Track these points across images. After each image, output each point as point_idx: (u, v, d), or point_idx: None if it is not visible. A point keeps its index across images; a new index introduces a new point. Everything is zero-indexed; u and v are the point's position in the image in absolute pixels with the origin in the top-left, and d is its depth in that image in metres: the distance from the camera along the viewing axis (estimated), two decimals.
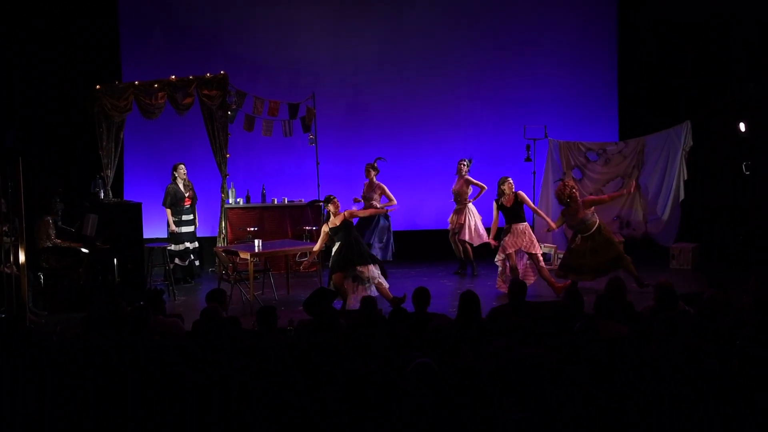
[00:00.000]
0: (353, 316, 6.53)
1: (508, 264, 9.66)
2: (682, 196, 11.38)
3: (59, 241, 9.48)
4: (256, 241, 9.52)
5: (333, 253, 9.04)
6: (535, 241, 9.69)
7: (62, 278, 9.40)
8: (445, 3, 12.64)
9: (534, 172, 11.89)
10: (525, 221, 9.73)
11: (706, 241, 11.56)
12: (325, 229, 9.12)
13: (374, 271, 8.89)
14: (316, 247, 9.28)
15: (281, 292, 9.99)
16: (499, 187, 9.75)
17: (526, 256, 9.73)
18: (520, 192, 9.74)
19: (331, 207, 9.06)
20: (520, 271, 9.65)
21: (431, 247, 12.00)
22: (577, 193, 9.53)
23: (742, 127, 11.05)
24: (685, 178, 11.34)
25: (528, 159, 11.72)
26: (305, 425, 3.79)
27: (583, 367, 4.59)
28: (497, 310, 6.45)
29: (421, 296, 6.44)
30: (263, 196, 11.72)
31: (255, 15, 12.34)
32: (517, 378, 3.62)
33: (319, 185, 11.70)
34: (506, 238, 9.60)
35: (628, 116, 12.59)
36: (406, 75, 12.55)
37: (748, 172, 11.13)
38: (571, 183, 9.84)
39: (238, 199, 11.54)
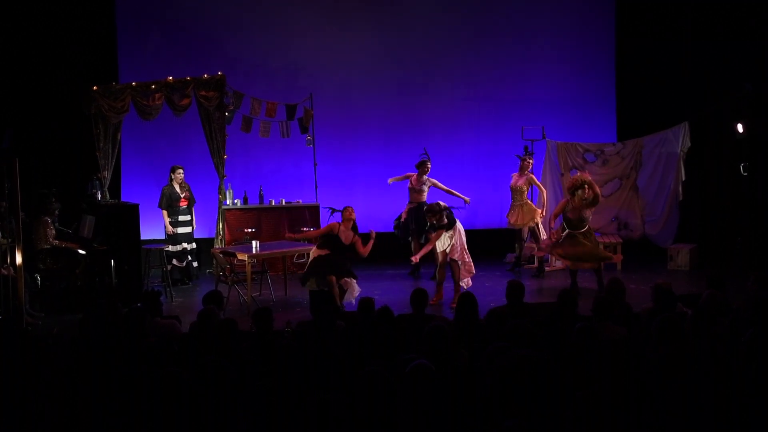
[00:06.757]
0: (351, 318, 6.51)
1: None
2: (680, 197, 11.40)
3: (57, 242, 9.45)
4: (254, 243, 9.49)
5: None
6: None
7: (59, 280, 9.37)
8: (443, 4, 12.62)
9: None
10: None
11: (704, 242, 11.55)
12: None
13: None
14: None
15: (279, 293, 9.96)
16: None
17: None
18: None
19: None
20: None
21: None
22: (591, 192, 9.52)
23: (739, 128, 11.05)
24: (683, 179, 11.36)
25: None
26: (302, 427, 3.78)
27: (581, 369, 4.58)
28: (495, 312, 6.43)
29: (419, 298, 6.43)
30: (261, 197, 11.69)
31: (252, 16, 12.32)
32: (515, 380, 3.60)
33: (316, 186, 11.69)
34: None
35: (626, 117, 12.57)
36: (404, 76, 12.53)
37: (745, 173, 11.13)
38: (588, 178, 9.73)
39: (235, 201, 11.51)
